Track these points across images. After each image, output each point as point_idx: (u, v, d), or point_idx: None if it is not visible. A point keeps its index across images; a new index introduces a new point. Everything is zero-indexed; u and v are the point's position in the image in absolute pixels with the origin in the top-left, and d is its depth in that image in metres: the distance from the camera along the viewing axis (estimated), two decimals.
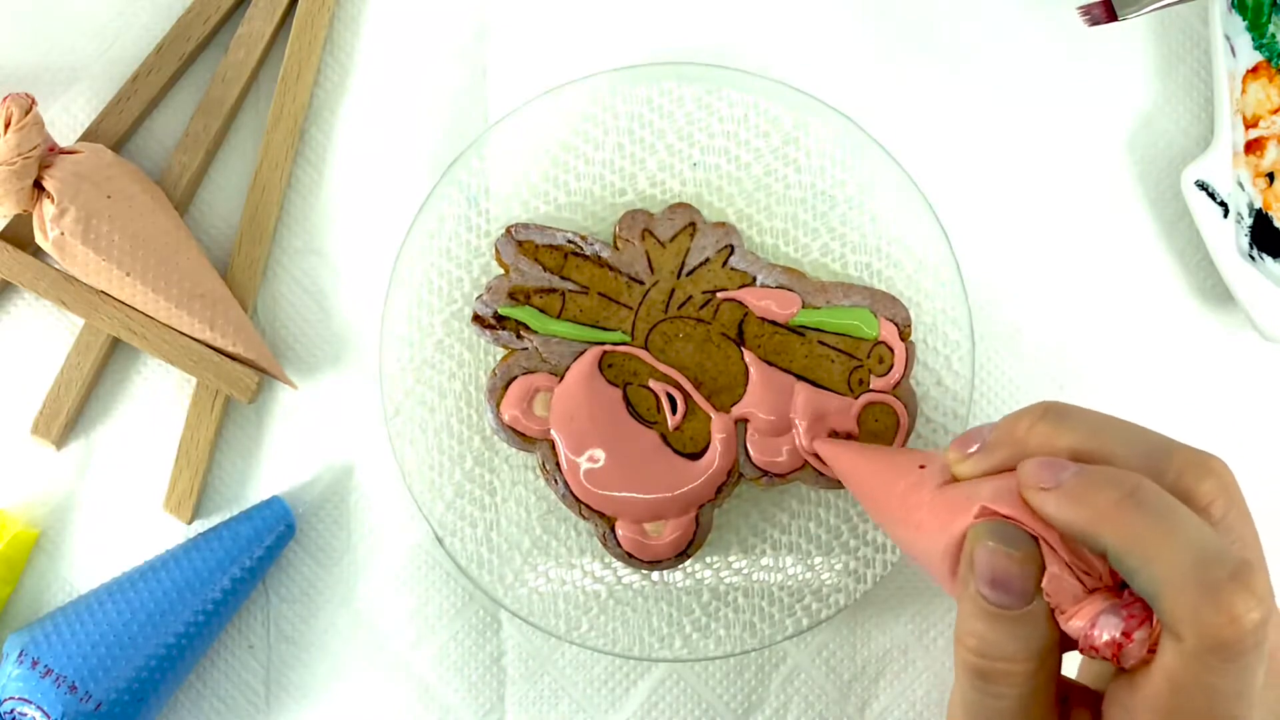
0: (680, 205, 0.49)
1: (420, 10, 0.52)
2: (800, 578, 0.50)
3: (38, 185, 0.47)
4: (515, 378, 0.48)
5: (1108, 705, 0.36)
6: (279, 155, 0.50)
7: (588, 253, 0.48)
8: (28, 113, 0.46)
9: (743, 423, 0.48)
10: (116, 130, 0.50)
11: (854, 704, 0.51)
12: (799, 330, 0.48)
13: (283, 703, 0.50)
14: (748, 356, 0.48)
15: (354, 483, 0.51)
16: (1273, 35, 0.51)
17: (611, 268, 0.48)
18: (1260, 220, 0.51)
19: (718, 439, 0.48)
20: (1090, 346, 0.52)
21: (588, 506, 0.48)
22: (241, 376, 0.49)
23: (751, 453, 0.48)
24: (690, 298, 0.48)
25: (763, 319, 0.48)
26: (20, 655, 0.46)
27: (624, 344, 0.48)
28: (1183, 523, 0.34)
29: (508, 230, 0.49)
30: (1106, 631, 0.35)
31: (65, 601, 0.50)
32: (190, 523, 0.50)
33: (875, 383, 0.48)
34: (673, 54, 0.52)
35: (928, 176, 0.51)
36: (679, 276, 0.48)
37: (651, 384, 0.48)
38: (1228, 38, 0.51)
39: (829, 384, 0.48)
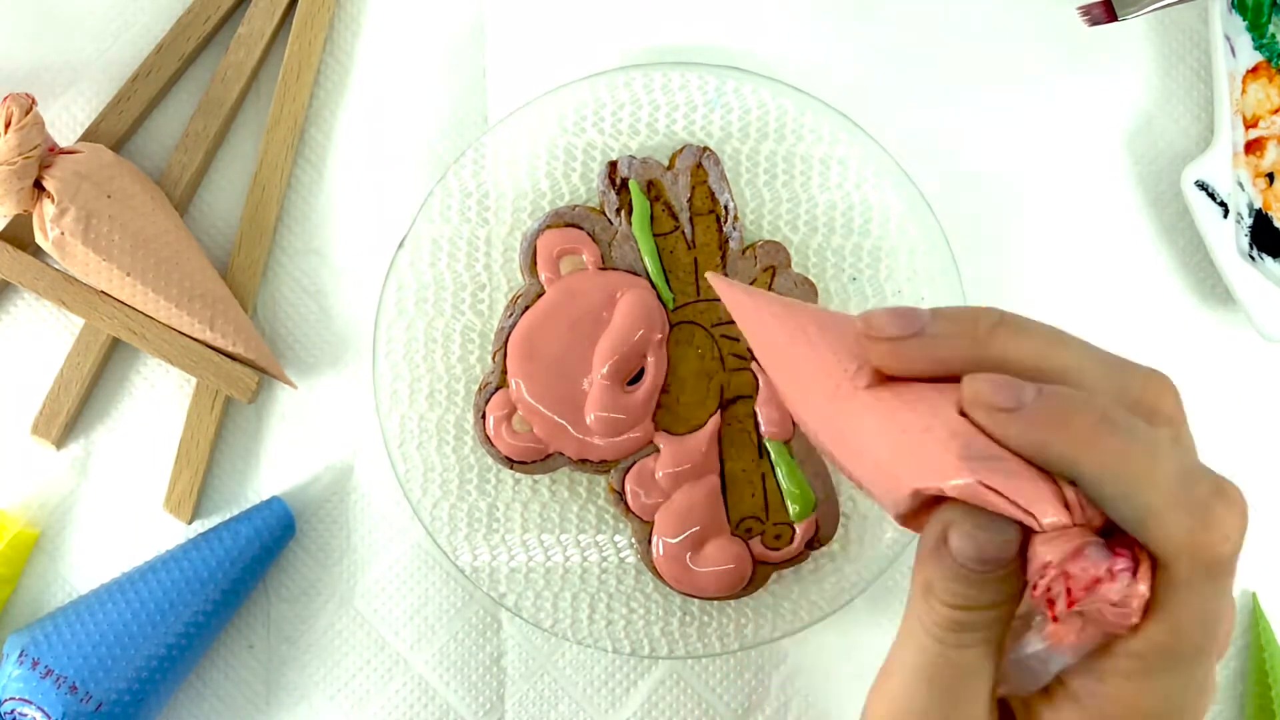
0: (771, 243, 0.49)
1: (420, 10, 0.52)
2: (800, 575, 0.50)
3: (38, 185, 0.47)
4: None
5: (1077, 675, 0.33)
6: (279, 155, 0.50)
7: (725, 230, 0.48)
8: (28, 113, 0.46)
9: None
10: (116, 130, 0.50)
11: (854, 704, 0.51)
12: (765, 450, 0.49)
13: (282, 703, 0.50)
14: (714, 422, 0.48)
15: (354, 483, 0.51)
16: (1273, 35, 0.51)
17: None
18: (1260, 220, 0.51)
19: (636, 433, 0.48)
20: None
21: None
22: (241, 376, 0.49)
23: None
24: (734, 322, 0.48)
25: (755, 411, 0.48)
26: (20, 655, 0.46)
27: (664, 305, 0.48)
28: (1160, 444, 0.32)
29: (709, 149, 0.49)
30: (1091, 566, 0.31)
31: (65, 601, 0.50)
32: (190, 523, 0.50)
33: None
34: (674, 53, 0.52)
35: (927, 177, 0.51)
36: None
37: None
38: (1228, 38, 0.51)
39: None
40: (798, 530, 0.48)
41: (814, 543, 0.48)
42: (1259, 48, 0.51)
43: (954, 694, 0.34)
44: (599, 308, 0.48)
